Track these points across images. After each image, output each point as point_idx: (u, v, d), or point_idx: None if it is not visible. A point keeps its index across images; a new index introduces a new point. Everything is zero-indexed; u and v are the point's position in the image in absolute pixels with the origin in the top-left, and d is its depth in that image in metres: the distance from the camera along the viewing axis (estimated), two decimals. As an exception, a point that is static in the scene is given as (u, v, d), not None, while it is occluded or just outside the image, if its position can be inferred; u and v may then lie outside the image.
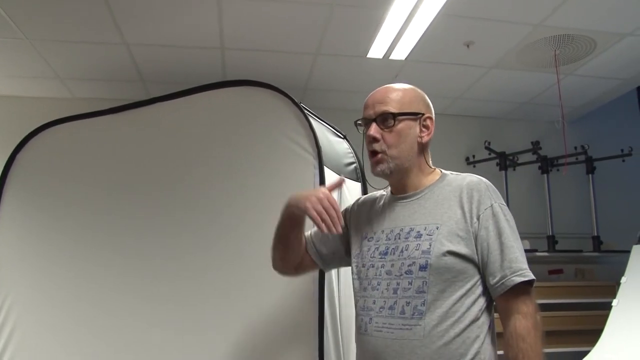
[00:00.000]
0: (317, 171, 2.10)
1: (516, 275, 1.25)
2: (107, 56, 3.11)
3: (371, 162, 1.43)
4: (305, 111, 2.19)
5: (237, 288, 2.22)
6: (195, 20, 2.74)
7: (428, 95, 1.49)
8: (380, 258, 1.39)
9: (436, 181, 1.43)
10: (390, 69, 3.30)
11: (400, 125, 1.40)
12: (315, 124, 2.27)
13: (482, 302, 1.30)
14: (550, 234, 3.72)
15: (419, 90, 1.49)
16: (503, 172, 3.80)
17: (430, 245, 1.30)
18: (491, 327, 1.32)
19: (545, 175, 3.85)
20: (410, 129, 1.41)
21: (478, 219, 1.31)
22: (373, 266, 1.40)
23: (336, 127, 2.75)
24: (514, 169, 3.92)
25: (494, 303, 1.34)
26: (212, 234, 2.31)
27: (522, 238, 4.02)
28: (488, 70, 3.34)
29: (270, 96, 2.27)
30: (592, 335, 2.87)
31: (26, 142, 2.64)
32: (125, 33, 2.84)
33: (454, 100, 3.83)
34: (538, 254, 3.61)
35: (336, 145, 2.56)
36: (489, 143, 3.84)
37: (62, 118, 2.68)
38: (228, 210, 2.28)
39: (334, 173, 2.42)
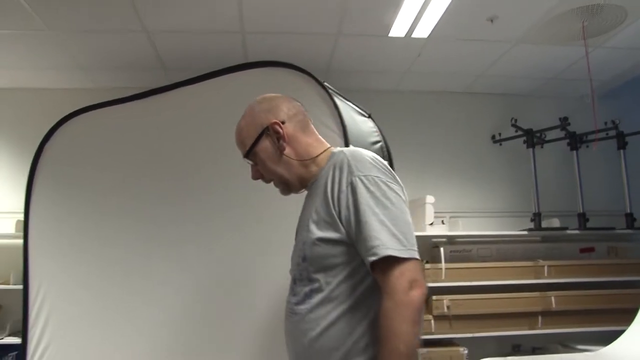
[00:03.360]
0: (342, 150, 2.08)
1: (369, 255, 1.18)
2: (128, 44, 3.12)
3: None
4: (329, 90, 2.16)
5: (240, 281, 2.25)
6: (214, 4, 2.73)
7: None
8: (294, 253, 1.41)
9: (326, 163, 1.37)
10: (412, 48, 3.24)
11: (258, 157, 1.40)
12: (339, 102, 2.24)
13: (370, 281, 1.24)
14: (581, 211, 3.63)
15: (252, 106, 1.44)
16: (530, 149, 3.72)
17: (306, 237, 1.30)
18: None
19: (574, 151, 3.76)
20: (267, 151, 1.39)
21: (339, 199, 1.25)
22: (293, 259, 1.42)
23: (360, 106, 2.71)
24: (542, 147, 3.84)
25: None
26: (235, 219, 2.32)
27: (552, 216, 3.83)
28: (513, 45, 3.25)
29: (293, 76, 2.25)
30: (626, 314, 2.81)
31: (53, 132, 2.69)
32: (145, 20, 2.84)
33: (477, 78, 3.75)
34: (569, 232, 3.54)
35: (361, 124, 2.54)
36: (516, 120, 3.75)
37: (86, 107, 2.71)
38: (253, 194, 2.27)
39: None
